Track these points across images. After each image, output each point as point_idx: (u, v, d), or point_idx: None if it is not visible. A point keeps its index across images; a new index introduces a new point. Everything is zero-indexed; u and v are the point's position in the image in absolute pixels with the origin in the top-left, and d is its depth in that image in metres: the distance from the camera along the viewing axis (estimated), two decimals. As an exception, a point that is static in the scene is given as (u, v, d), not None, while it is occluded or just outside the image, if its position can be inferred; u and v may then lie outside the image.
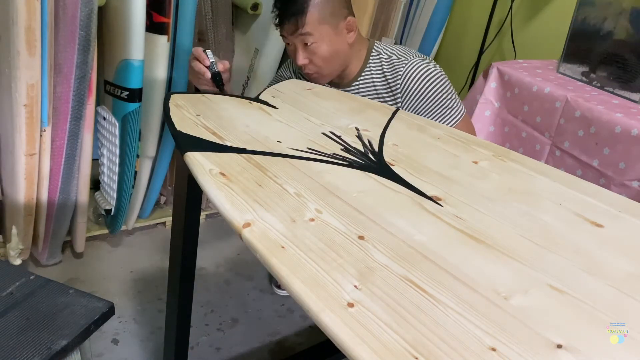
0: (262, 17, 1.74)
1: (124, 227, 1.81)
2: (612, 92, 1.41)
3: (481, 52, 2.10)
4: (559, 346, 0.49)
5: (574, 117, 1.35)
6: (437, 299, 0.54)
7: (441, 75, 1.22)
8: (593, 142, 1.30)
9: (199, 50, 1.14)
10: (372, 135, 0.94)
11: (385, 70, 1.23)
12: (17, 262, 1.51)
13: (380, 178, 0.79)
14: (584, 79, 1.50)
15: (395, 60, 1.22)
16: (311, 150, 0.86)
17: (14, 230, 1.47)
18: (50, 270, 1.66)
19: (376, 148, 0.89)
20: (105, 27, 1.48)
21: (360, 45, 1.26)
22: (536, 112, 1.47)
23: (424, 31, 2.14)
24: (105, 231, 1.79)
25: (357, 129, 0.97)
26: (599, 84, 1.46)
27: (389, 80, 1.23)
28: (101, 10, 1.41)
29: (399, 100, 1.22)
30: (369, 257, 0.60)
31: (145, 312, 1.55)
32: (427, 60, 1.22)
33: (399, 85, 1.21)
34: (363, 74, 1.26)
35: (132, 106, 1.48)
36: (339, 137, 0.92)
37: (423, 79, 1.20)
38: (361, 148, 0.89)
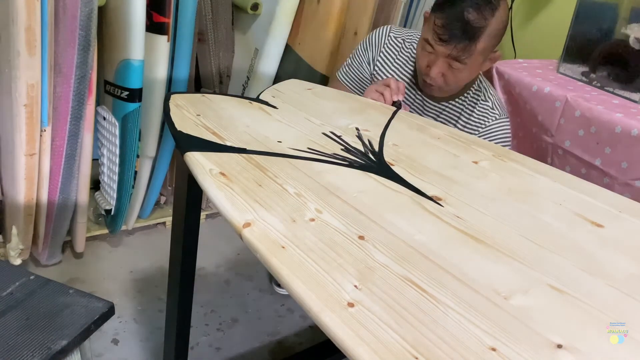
0: (262, 17, 1.74)
1: (124, 227, 1.81)
2: (612, 92, 1.41)
3: (481, 52, 2.10)
4: (559, 346, 0.49)
5: (574, 117, 1.35)
6: (437, 299, 0.54)
7: (510, 140, 1.23)
8: (594, 141, 1.30)
9: (400, 85, 1.14)
10: (372, 135, 0.94)
11: (477, 110, 1.22)
12: (17, 262, 1.51)
13: (381, 178, 0.79)
14: (584, 79, 1.50)
15: (489, 108, 1.22)
16: (311, 150, 0.86)
17: (14, 230, 1.47)
18: (50, 270, 1.66)
19: (376, 148, 0.89)
20: (105, 27, 1.48)
21: None
22: (536, 112, 1.47)
23: (424, 31, 2.14)
24: (105, 231, 1.79)
25: (357, 129, 0.97)
26: (599, 84, 1.46)
27: (473, 120, 1.22)
28: (101, 10, 1.40)
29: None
30: (369, 257, 0.60)
31: (145, 312, 1.55)
32: (509, 123, 1.23)
33: (478, 132, 1.21)
34: (458, 99, 1.23)
35: (132, 106, 1.48)
36: (339, 137, 0.92)
37: (497, 139, 1.21)
38: (361, 148, 0.89)
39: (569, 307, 0.55)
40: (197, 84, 1.79)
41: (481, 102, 1.22)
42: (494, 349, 0.48)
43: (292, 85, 1.20)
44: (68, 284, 0.85)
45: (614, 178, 1.26)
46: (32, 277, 0.84)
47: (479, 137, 1.20)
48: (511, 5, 1.96)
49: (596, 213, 0.73)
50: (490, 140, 1.20)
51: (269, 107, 1.04)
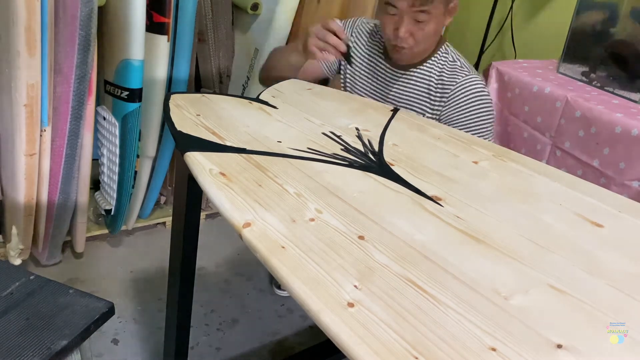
0: (262, 17, 1.74)
1: (124, 227, 1.81)
2: (612, 92, 1.41)
3: (481, 52, 2.10)
4: (559, 346, 0.49)
5: (574, 117, 1.35)
6: (437, 299, 0.54)
7: (490, 102, 1.22)
8: (593, 142, 1.30)
9: (334, 24, 1.10)
10: (372, 135, 0.94)
11: (446, 71, 1.23)
12: (17, 262, 1.51)
13: (380, 178, 0.79)
14: (584, 79, 1.50)
15: (458, 67, 1.22)
16: (311, 150, 0.86)
17: (14, 230, 1.47)
18: (50, 270, 1.66)
19: (376, 148, 0.89)
20: (105, 27, 1.48)
21: None
22: (537, 112, 1.47)
23: (424, 31, 2.14)
24: (105, 231, 1.79)
25: (357, 129, 0.97)
26: (599, 84, 1.46)
27: (444, 82, 1.23)
28: (101, 10, 1.40)
29: (443, 104, 1.23)
30: (369, 257, 0.60)
31: (145, 312, 1.55)
32: (484, 84, 1.23)
33: (450, 91, 1.22)
34: (426, 64, 1.26)
35: (132, 106, 1.48)
36: (339, 137, 0.92)
37: (473, 96, 1.20)
38: (361, 148, 0.89)
39: (569, 307, 0.55)
40: (197, 84, 1.79)
41: (449, 62, 1.24)
42: (494, 349, 0.48)
43: (292, 85, 1.20)
44: (68, 284, 0.85)
45: (611, 179, 1.26)
46: (32, 277, 0.84)
47: (452, 94, 1.21)
48: (511, 5, 1.96)
49: (596, 213, 0.73)
50: (465, 97, 1.20)
51: (269, 107, 1.04)
